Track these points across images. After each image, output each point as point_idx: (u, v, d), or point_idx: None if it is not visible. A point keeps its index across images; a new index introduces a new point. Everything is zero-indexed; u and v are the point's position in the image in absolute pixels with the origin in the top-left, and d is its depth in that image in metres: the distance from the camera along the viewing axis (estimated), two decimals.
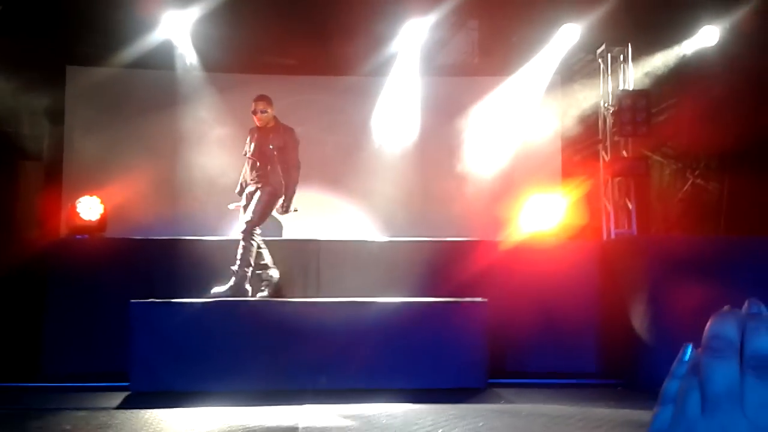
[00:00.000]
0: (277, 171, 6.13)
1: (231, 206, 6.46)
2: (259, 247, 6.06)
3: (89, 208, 7.23)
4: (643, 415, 4.72)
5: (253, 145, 6.28)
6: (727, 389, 0.44)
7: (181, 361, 5.34)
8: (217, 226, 7.64)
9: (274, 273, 6.09)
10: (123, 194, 7.56)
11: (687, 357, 0.48)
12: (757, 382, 0.44)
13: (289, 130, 6.29)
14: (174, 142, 8.31)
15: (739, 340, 0.45)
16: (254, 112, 6.29)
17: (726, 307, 0.48)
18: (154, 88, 8.35)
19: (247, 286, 5.92)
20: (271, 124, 6.29)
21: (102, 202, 7.33)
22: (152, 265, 6.54)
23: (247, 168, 6.33)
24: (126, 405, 4.96)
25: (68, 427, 4.28)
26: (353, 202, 6.28)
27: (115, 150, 8.11)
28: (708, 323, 0.47)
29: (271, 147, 6.18)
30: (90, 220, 7.22)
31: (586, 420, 4.44)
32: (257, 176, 6.18)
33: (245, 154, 6.34)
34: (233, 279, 5.90)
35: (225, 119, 8.37)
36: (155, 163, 7.95)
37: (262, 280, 6.05)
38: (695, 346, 0.48)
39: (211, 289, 5.87)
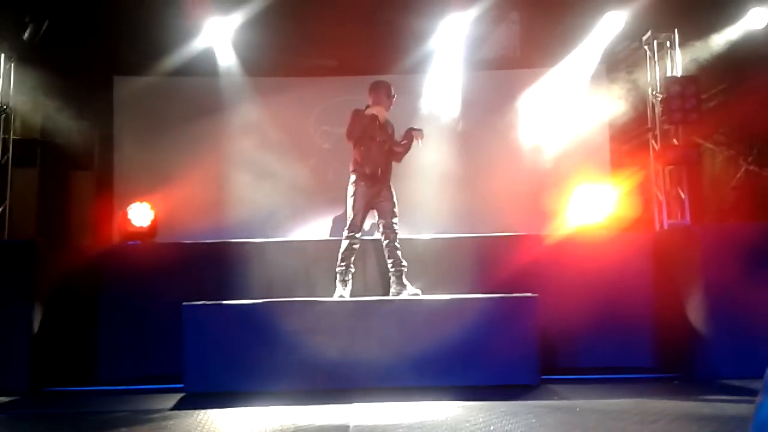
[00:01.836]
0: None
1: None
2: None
3: (140, 215, 7.38)
4: (701, 407, 4.58)
5: (378, 130, 6.20)
6: None
7: (234, 362, 5.40)
8: (265, 227, 7.73)
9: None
10: (172, 200, 7.71)
11: None
12: None
13: (390, 122, 6.40)
14: (219, 146, 8.44)
15: None
16: (390, 96, 6.27)
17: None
18: (198, 95, 8.49)
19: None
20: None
21: (152, 208, 7.46)
22: (203, 268, 6.64)
23: (363, 153, 6.16)
24: (180, 406, 5.03)
25: (124, 430, 4.36)
26: (398, 200, 6.25)
27: (163, 156, 8.28)
28: None
29: (389, 137, 6.28)
30: (141, 227, 7.37)
31: (643, 414, 4.33)
32: (385, 167, 6.22)
33: (362, 135, 6.14)
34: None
35: (268, 122, 8.47)
36: (202, 168, 8.08)
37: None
38: None
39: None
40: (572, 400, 4.95)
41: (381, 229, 6.24)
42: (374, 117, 6.19)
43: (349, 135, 6.15)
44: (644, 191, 7.88)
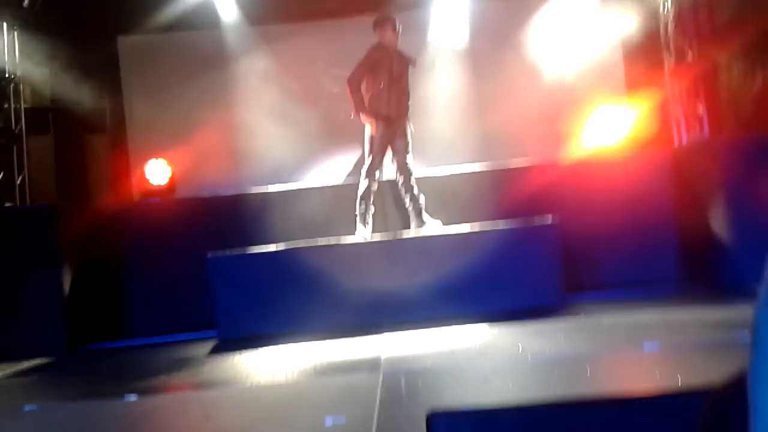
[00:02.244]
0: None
1: (365, 118, 6.05)
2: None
3: (157, 172, 7.43)
4: (727, 314, 4.60)
5: (395, 65, 6.04)
6: None
7: (263, 307, 5.49)
8: (282, 175, 7.74)
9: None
10: (187, 155, 7.74)
11: None
12: None
13: (408, 55, 6.25)
14: (229, 98, 8.40)
15: None
16: (395, 30, 6.10)
17: None
18: (203, 48, 8.42)
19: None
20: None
21: (169, 164, 7.50)
22: (224, 220, 6.70)
23: (379, 93, 6.02)
24: (215, 351, 5.16)
25: (164, 377, 4.47)
26: (413, 135, 6.22)
27: (174, 112, 8.27)
28: None
29: (407, 73, 6.15)
30: (159, 184, 7.43)
31: (670, 325, 4.36)
32: (405, 107, 6.12)
33: (373, 73, 6.01)
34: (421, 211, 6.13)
35: (275, 71, 8.40)
36: (214, 121, 8.07)
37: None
38: None
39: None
40: (599, 317, 5.00)
41: (396, 167, 6.22)
42: (383, 52, 6.08)
43: (349, 80, 6.03)
44: (662, 110, 7.75)
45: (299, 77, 8.58)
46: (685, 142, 7.48)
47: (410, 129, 6.19)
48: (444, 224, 6.19)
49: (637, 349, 3.98)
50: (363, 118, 6.03)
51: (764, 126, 7.81)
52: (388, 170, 6.60)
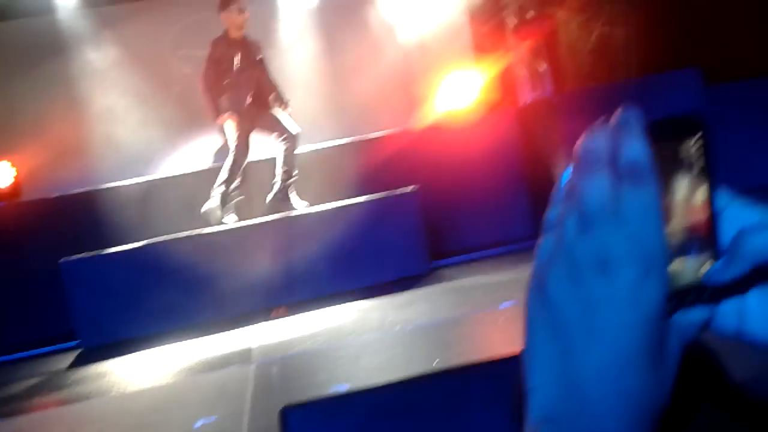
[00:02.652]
0: (269, 85, 6.12)
1: (224, 117, 6.00)
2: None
3: (0, 174, 6.95)
4: None
5: (239, 56, 5.93)
6: (601, 204, 0.42)
7: (127, 309, 5.31)
8: (137, 166, 7.44)
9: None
10: (33, 153, 7.26)
11: (564, 182, 0.45)
12: (633, 190, 0.41)
13: (256, 41, 6.20)
14: (73, 88, 7.91)
15: (609, 153, 0.42)
16: (242, 11, 5.92)
17: (596, 122, 0.44)
18: (37, 37, 7.86)
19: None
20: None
21: (12, 165, 7.04)
22: (77, 220, 6.37)
23: (230, 87, 5.93)
24: (78, 362, 4.95)
25: (23, 400, 4.27)
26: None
27: (13, 108, 7.70)
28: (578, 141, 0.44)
29: (260, 57, 6.06)
30: (3, 187, 6.96)
31: (524, 281, 4.61)
32: (255, 96, 5.97)
33: (220, 70, 5.91)
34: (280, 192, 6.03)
35: (120, 55, 8.01)
36: (58, 115, 7.59)
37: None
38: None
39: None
40: (460, 280, 5.22)
41: (279, 139, 6.08)
42: (225, 44, 5.95)
43: (202, 86, 5.97)
44: (508, 72, 8.04)
45: (148, 61, 8.20)
46: (529, 100, 7.82)
47: (283, 106, 6.12)
48: (310, 202, 6.20)
49: (494, 309, 4.21)
50: (218, 119, 5.99)
51: (601, 78, 8.31)
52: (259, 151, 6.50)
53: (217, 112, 5.96)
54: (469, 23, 8.49)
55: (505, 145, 6.78)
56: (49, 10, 7.86)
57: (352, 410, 1.73)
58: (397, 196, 5.80)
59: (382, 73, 7.92)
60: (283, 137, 6.07)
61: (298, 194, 6.23)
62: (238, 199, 6.15)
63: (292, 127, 6.09)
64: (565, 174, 0.45)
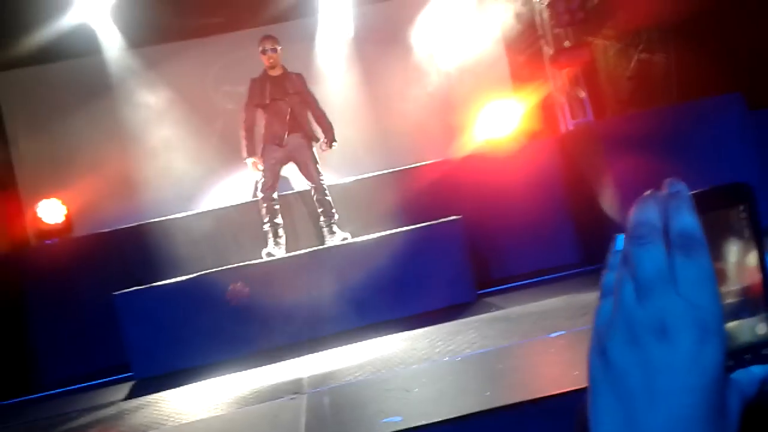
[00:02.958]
0: (307, 115, 6.20)
1: (249, 161, 6.18)
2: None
3: (51, 211, 7.15)
4: None
5: (270, 89, 6.12)
6: (657, 273, 0.44)
7: (178, 341, 5.40)
8: (182, 200, 7.60)
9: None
10: (81, 190, 7.47)
11: (619, 247, 0.48)
12: (685, 260, 0.44)
13: (299, 74, 6.30)
14: (119, 125, 8.15)
15: (661, 223, 0.45)
16: (264, 52, 6.10)
17: (647, 192, 0.48)
18: (85, 76, 8.13)
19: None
20: (281, 68, 6.20)
21: (63, 203, 7.23)
22: (127, 254, 6.53)
23: (266, 119, 6.15)
24: (133, 394, 5.03)
25: (78, 430, 4.34)
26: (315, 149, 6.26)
27: (62, 146, 7.96)
28: (630, 211, 0.47)
29: (292, 92, 6.15)
30: (55, 223, 7.15)
31: (572, 309, 4.59)
32: (290, 125, 6.10)
33: (257, 106, 6.15)
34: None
35: (165, 93, 8.22)
36: (106, 152, 7.82)
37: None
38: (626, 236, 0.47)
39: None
40: (508, 309, 5.20)
41: (306, 181, 6.28)
42: (260, 80, 6.16)
43: (241, 123, 6.19)
44: (547, 99, 8.08)
45: (191, 97, 8.42)
46: (570, 127, 7.82)
47: (310, 144, 6.23)
48: (355, 233, 6.27)
49: (543, 337, 4.19)
50: (245, 159, 6.20)
51: (641, 104, 8.28)
52: (299, 182, 6.63)
53: (245, 151, 6.17)
54: (506, 53, 8.56)
55: (547, 173, 6.78)
56: (97, 51, 8.11)
57: None
58: (442, 224, 5.82)
59: (421, 103, 8.01)
60: (312, 186, 6.25)
61: (339, 225, 6.32)
62: (281, 227, 6.24)
63: (318, 179, 6.21)
64: (619, 241, 0.48)
